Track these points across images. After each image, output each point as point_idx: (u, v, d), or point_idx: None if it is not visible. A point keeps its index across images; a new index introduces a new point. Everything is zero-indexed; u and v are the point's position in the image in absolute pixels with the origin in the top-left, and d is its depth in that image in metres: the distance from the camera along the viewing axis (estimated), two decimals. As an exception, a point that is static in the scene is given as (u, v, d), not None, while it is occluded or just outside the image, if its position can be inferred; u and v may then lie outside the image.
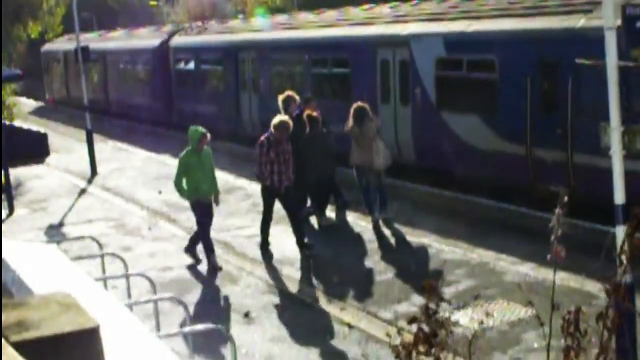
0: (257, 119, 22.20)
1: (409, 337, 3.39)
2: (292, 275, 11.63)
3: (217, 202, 12.28)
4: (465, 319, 9.05)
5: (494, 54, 14.47)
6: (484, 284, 10.47)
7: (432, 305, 3.32)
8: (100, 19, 47.67)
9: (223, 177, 16.51)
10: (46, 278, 4.47)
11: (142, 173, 20.76)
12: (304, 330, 9.53)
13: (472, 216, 13.75)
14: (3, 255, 4.63)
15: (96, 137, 22.50)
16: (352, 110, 13.68)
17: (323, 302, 10.46)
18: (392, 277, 11.12)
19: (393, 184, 15.00)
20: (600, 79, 7.79)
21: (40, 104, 43.66)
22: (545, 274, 10.20)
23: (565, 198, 3.74)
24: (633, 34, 7.88)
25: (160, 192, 17.86)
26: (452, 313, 3.39)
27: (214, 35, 26.10)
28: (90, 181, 20.27)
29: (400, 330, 3.67)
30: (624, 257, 3.50)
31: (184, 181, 12.01)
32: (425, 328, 3.30)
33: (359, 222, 13.98)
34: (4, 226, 15.41)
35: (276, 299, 10.62)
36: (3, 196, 17.08)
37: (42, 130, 26.69)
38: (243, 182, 17.75)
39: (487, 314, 9.27)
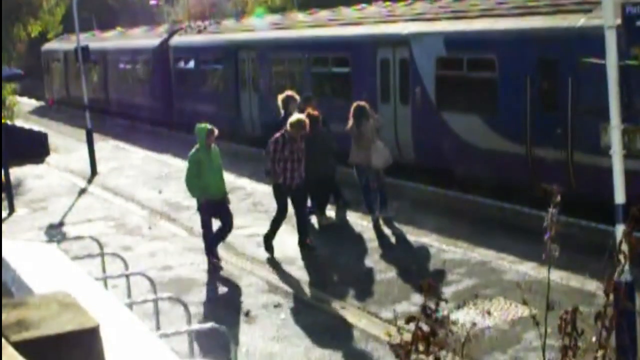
0: (257, 118, 22.22)
1: (408, 337, 3.39)
2: (292, 274, 11.63)
3: (228, 201, 12.18)
4: (465, 318, 9.05)
5: (494, 54, 14.47)
6: (484, 283, 10.48)
7: (430, 305, 3.32)
8: (100, 19, 47.62)
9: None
10: (46, 278, 4.48)
11: (142, 172, 20.77)
12: (304, 329, 9.53)
13: (472, 215, 13.76)
14: (3, 255, 4.64)
15: (96, 137, 22.50)
16: (352, 109, 13.71)
17: (323, 302, 10.47)
18: (392, 277, 11.12)
19: (393, 183, 15.00)
20: (600, 78, 7.79)
21: (40, 103, 43.66)
22: (545, 273, 10.17)
23: (559, 197, 3.74)
24: (633, 32, 7.89)
25: (160, 192, 17.87)
26: (451, 312, 3.39)
27: (213, 34, 26.09)
28: (90, 181, 20.27)
29: (400, 330, 3.66)
30: (622, 257, 3.51)
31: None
32: (425, 327, 3.30)
33: (359, 222, 13.99)
34: (4, 226, 15.41)
35: (276, 299, 10.62)
36: (3, 196, 17.08)
37: (42, 129, 26.70)
38: (243, 182, 17.75)
39: (487, 313, 9.27)
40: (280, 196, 12.51)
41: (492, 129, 14.43)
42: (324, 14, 21.97)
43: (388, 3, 20.37)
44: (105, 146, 25.12)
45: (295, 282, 11.31)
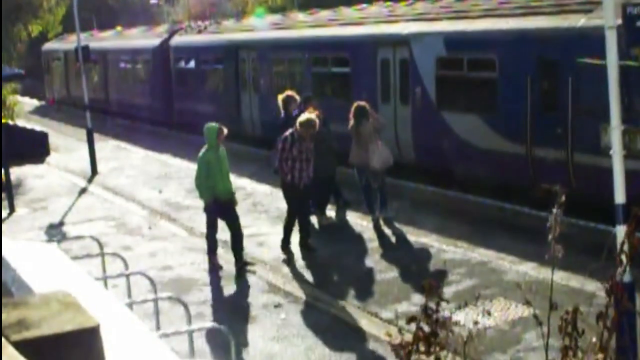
0: (258, 118, 22.22)
1: (409, 337, 3.39)
2: (292, 274, 11.63)
3: (235, 202, 12.13)
4: (466, 319, 9.04)
5: (494, 54, 14.47)
6: (484, 283, 10.48)
7: (431, 305, 3.32)
8: (100, 18, 47.63)
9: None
10: (46, 277, 4.48)
11: (142, 172, 20.77)
12: (305, 329, 9.53)
13: (472, 215, 13.76)
14: (3, 255, 4.63)
15: (96, 137, 22.49)
16: (352, 109, 13.70)
17: (323, 302, 10.47)
18: (392, 277, 11.12)
19: (393, 183, 15.00)
20: (600, 78, 7.79)
21: (41, 103, 43.67)
22: (545, 273, 10.20)
23: (563, 197, 3.74)
24: (633, 33, 7.88)
25: (160, 192, 17.87)
26: (452, 312, 3.39)
27: (214, 34, 26.09)
28: (90, 180, 20.27)
29: (400, 330, 3.66)
30: (623, 257, 3.50)
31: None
32: (425, 327, 3.30)
33: (359, 222, 13.99)
34: (4, 226, 15.41)
35: (276, 299, 10.62)
36: (3, 195, 17.08)
37: (43, 129, 26.70)
38: (244, 182, 17.75)
39: (488, 313, 9.26)
40: (288, 195, 12.41)
41: (493, 129, 14.43)
42: (324, 14, 21.97)
43: (388, 3, 20.38)
44: (105, 146, 25.12)
45: (296, 282, 11.31)
